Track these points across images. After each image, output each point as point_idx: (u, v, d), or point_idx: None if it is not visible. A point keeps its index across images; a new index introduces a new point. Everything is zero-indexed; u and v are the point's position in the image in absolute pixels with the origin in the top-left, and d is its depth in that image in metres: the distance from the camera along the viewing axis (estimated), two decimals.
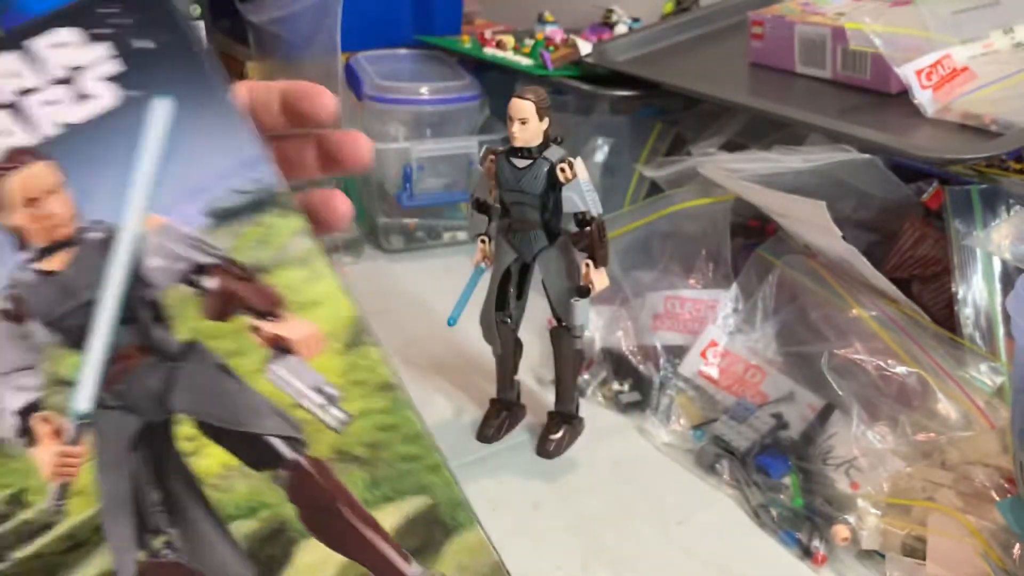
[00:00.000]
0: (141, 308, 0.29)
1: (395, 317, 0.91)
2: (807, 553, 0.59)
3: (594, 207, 0.61)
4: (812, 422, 0.67)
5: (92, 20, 0.29)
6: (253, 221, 0.29)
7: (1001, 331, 0.67)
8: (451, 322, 0.61)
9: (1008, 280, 0.68)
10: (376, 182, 1.03)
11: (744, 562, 0.59)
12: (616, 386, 0.76)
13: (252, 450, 0.29)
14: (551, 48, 1.06)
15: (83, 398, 0.28)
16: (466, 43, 1.13)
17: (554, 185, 0.62)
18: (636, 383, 0.76)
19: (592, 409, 0.75)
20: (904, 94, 0.74)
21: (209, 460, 0.28)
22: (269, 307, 0.30)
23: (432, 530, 0.29)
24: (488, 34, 1.13)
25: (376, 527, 0.29)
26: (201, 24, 1.02)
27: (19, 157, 0.28)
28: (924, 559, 0.55)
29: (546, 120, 0.60)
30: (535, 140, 0.61)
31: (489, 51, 1.08)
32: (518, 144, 0.61)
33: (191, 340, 0.29)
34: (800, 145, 0.73)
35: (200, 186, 0.29)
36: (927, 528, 0.56)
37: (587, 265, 0.63)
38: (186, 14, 0.32)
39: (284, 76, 1.01)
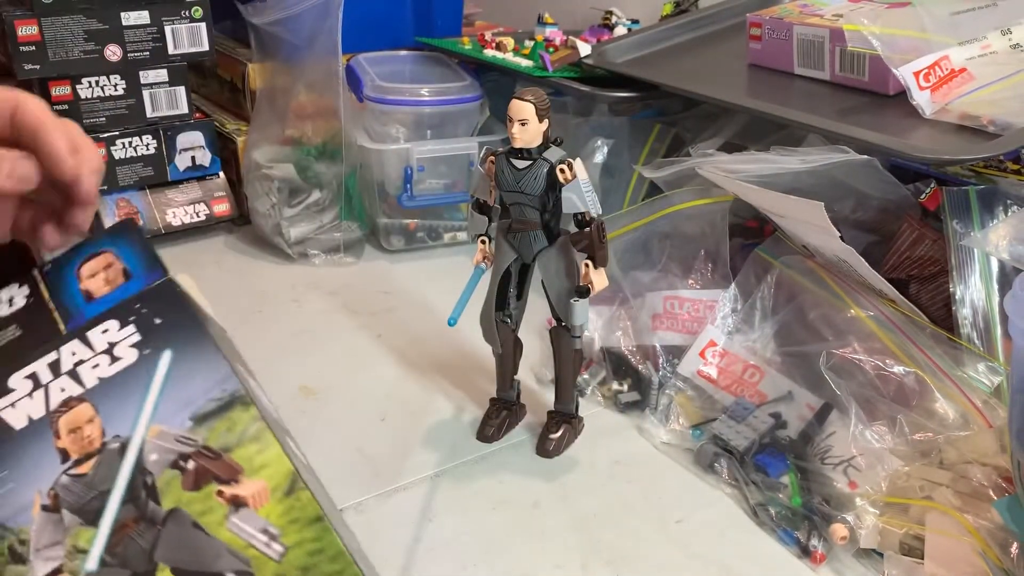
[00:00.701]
0: (141, 490, 0.41)
1: (396, 317, 0.91)
2: (806, 552, 0.59)
3: (593, 208, 0.62)
4: (810, 421, 0.67)
5: (125, 312, 0.46)
6: (223, 417, 0.43)
7: (999, 331, 0.67)
8: (451, 322, 0.62)
9: (1005, 280, 0.68)
10: (377, 183, 1.03)
11: (743, 560, 0.59)
12: (615, 386, 0.76)
13: None
14: (551, 50, 1.07)
15: (92, 560, 0.40)
16: (466, 45, 1.13)
17: (554, 186, 0.62)
18: (635, 383, 0.76)
19: (591, 409, 0.75)
20: (902, 95, 0.74)
21: None
22: (231, 476, 0.42)
23: None
24: (488, 36, 1.14)
25: None
26: (203, 26, 1.03)
27: (70, 403, 0.44)
28: (922, 558, 0.56)
29: (546, 121, 0.61)
30: (535, 141, 0.61)
31: (489, 53, 1.09)
32: (518, 145, 0.61)
33: (173, 508, 0.41)
34: (798, 146, 0.73)
35: (188, 400, 0.43)
36: (925, 527, 0.56)
37: (586, 265, 0.63)
38: (188, 298, 0.48)
39: (285, 77, 1.01)
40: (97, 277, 0.49)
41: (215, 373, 0.45)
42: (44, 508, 0.41)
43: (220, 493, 0.42)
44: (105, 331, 0.46)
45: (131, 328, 0.46)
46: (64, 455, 0.43)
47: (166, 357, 0.45)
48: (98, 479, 0.42)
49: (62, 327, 0.47)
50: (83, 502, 0.41)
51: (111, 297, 0.47)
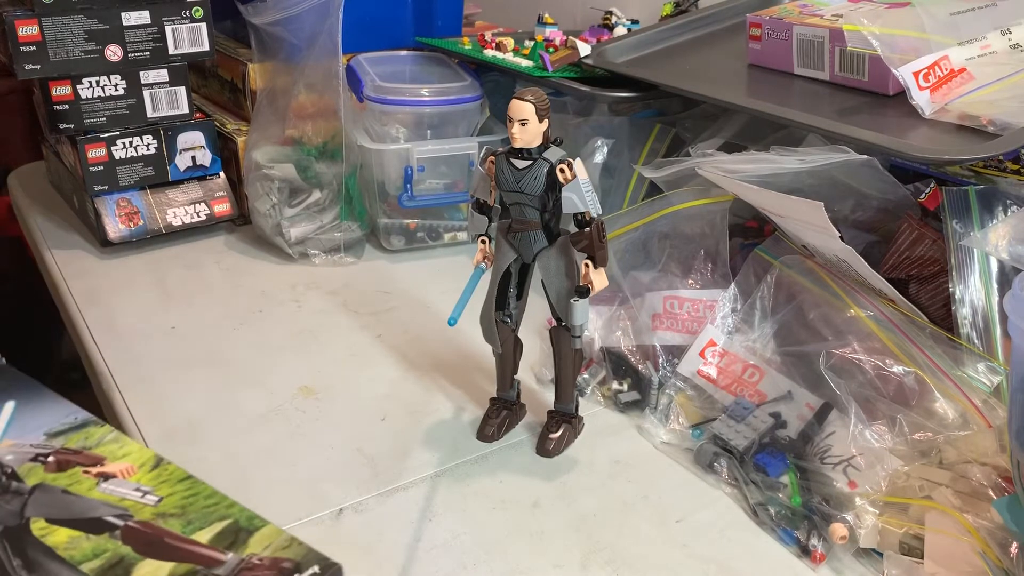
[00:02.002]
0: (0, 475, 0.43)
1: (396, 317, 0.91)
2: (805, 551, 0.59)
3: (593, 208, 0.62)
4: (810, 421, 0.67)
5: None
6: (78, 432, 0.47)
7: (998, 331, 0.67)
8: (451, 322, 0.62)
9: (1005, 280, 0.68)
10: (377, 183, 1.03)
11: (743, 560, 0.59)
12: (615, 385, 0.76)
13: (91, 525, 0.40)
14: (551, 50, 1.07)
15: None
16: (466, 45, 1.13)
17: (554, 186, 0.62)
18: (635, 382, 0.76)
19: (591, 408, 0.75)
20: (902, 95, 0.75)
21: (58, 536, 0.40)
22: (94, 462, 0.44)
23: (238, 534, 0.40)
24: (488, 36, 1.14)
25: (195, 543, 0.40)
26: (204, 26, 1.03)
27: None
28: (922, 557, 0.56)
29: (546, 121, 0.61)
30: (535, 141, 0.61)
31: (489, 53, 1.09)
32: (518, 145, 0.61)
33: (39, 483, 0.43)
34: (798, 146, 0.73)
35: (40, 425, 0.47)
36: (925, 526, 0.56)
37: (586, 265, 0.63)
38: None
39: (285, 77, 1.01)
40: None
41: (64, 410, 0.49)
42: None
43: (86, 472, 0.44)
44: None
45: None
46: None
47: (9, 406, 0.49)
48: None
49: None
50: None
51: None
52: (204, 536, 0.40)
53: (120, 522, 0.40)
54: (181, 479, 0.43)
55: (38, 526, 0.40)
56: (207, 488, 0.43)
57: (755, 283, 0.76)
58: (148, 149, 1.04)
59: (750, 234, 0.88)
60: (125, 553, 0.39)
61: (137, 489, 0.43)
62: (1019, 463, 0.52)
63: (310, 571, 0.38)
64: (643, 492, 0.66)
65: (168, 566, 0.38)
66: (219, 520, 0.41)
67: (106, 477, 0.43)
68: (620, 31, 1.16)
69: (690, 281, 0.80)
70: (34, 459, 0.44)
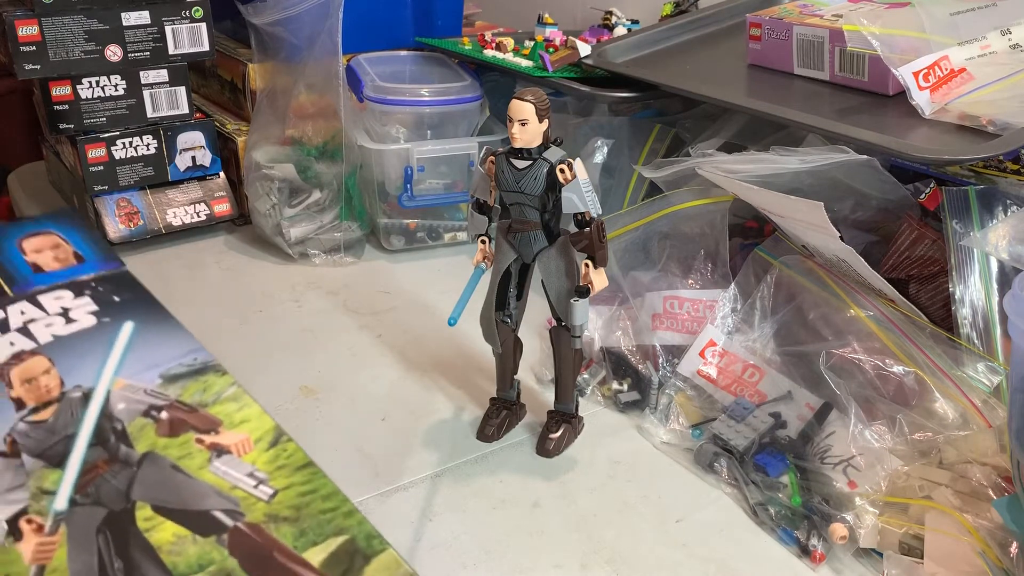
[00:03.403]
0: (109, 434, 0.41)
1: (396, 317, 0.91)
2: (805, 551, 0.59)
3: (593, 208, 0.62)
4: (810, 421, 0.67)
5: (80, 287, 0.49)
6: (196, 380, 0.44)
7: (998, 331, 0.67)
8: (451, 322, 0.62)
9: (1005, 280, 0.68)
10: (377, 183, 1.03)
11: (742, 560, 0.59)
12: (615, 385, 0.76)
13: (199, 522, 0.38)
14: (551, 50, 1.07)
15: (60, 500, 0.39)
16: (466, 45, 1.13)
17: (554, 186, 0.62)
18: (635, 382, 0.76)
19: (591, 408, 0.75)
20: (902, 95, 0.75)
21: (163, 532, 0.37)
22: (209, 427, 0.41)
23: (353, 558, 0.36)
24: (488, 36, 1.14)
25: (306, 564, 0.36)
26: (204, 26, 1.03)
27: (22, 356, 0.44)
28: (921, 557, 0.56)
29: (546, 121, 0.61)
30: (535, 141, 0.61)
31: (489, 53, 1.09)
32: (518, 145, 0.61)
33: (148, 451, 0.40)
34: (798, 146, 0.73)
35: (156, 362, 0.44)
36: (924, 526, 0.56)
37: (586, 265, 0.63)
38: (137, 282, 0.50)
39: (286, 77, 1.01)
40: (44, 254, 0.50)
41: (184, 344, 0.45)
42: (2, 454, 0.40)
43: (199, 441, 0.40)
44: (58, 298, 0.47)
45: (86, 299, 0.47)
46: (19, 404, 0.42)
47: (128, 326, 0.46)
48: (60, 424, 0.41)
49: (7, 289, 0.47)
50: (45, 446, 0.40)
51: (63, 273, 0.48)
52: (316, 556, 0.36)
53: (230, 522, 0.37)
54: (300, 466, 0.40)
55: (144, 515, 0.37)
56: (327, 484, 0.39)
57: (755, 283, 0.76)
58: (148, 149, 1.04)
59: (750, 234, 0.88)
60: (231, 568, 0.36)
61: (251, 475, 0.39)
62: (1019, 463, 0.52)
63: None
64: (643, 492, 0.66)
65: None
66: (335, 535, 0.37)
67: (219, 452, 0.40)
68: (620, 31, 1.16)
69: (690, 281, 0.80)
70: (146, 413, 0.41)
